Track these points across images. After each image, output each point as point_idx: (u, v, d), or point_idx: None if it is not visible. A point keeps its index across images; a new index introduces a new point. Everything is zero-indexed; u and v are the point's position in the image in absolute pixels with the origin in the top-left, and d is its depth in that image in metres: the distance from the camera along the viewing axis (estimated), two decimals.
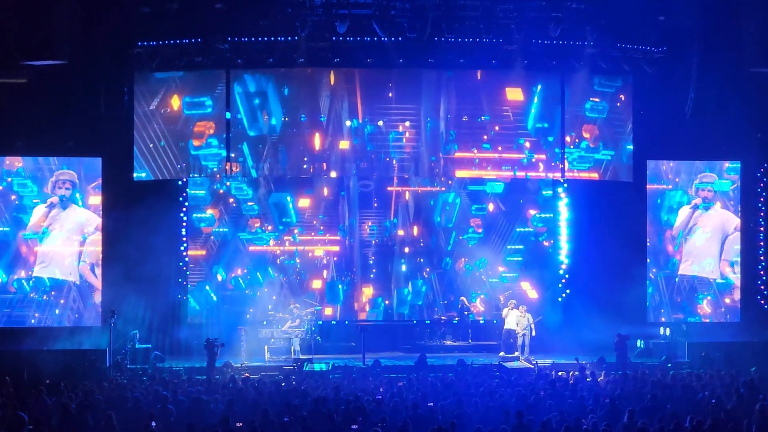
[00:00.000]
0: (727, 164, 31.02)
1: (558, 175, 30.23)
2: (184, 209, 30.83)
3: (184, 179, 30.22)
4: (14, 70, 27.55)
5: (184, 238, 30.79)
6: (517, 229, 32.11)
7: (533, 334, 28.89)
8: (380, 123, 29.46)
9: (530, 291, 32.08)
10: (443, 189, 31.75)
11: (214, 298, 31.12)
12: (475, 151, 29.86)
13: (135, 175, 28.70)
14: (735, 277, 30.90)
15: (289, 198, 31.28)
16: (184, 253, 30.78)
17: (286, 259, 31.60)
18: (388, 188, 31.51)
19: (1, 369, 22.93)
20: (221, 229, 31.21)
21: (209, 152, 29.05)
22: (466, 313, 30.89)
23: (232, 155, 28.96)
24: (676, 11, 28.38)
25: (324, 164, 29.70)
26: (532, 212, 32.15)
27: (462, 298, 31.20)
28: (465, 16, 27.65)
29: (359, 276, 31.91)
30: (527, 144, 29.93)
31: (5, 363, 24.68)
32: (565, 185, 31.85)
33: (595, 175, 30.11)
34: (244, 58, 28.22)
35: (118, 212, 28.64)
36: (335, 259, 31.87)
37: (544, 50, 28.65)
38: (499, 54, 28.64)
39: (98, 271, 29.10)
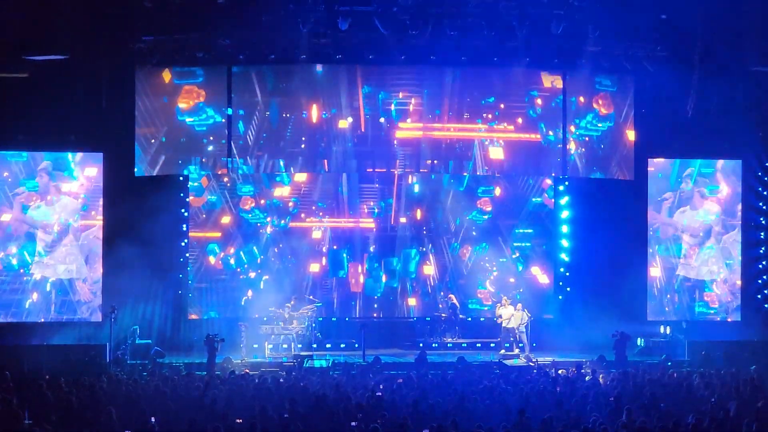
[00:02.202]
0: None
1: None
2: (186, 205, 30.80)
3: (186, 175, 30.23)
4: (16, 65, 27.55)
5: (185, 235, 30.77)
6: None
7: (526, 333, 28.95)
8: (382, 120, 29.46)
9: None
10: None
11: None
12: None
13: (136, 169, 28.68)
14: (732, 276, 30.90)
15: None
16: (185, 250, 30.77)
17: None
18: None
19: (1, 363, 22.94)
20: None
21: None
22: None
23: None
24: (678, 10, 28.30)
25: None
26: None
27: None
28: (467, 12, 27.59)
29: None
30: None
31: (5, 357, 24.70)
32: (567, 183, 31.86)
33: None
34: (246, 54, 28.26)
35: (119, 207, 28.64)
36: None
37: (546, 47, 28.64)
38: (501, 51, 28.61)
39: (98, 264, 29.05)
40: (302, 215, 31.61)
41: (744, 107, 29.57)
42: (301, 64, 28.60)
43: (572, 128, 30.04)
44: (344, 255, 31.79)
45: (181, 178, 30.45)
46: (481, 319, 31.73)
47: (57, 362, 24.83)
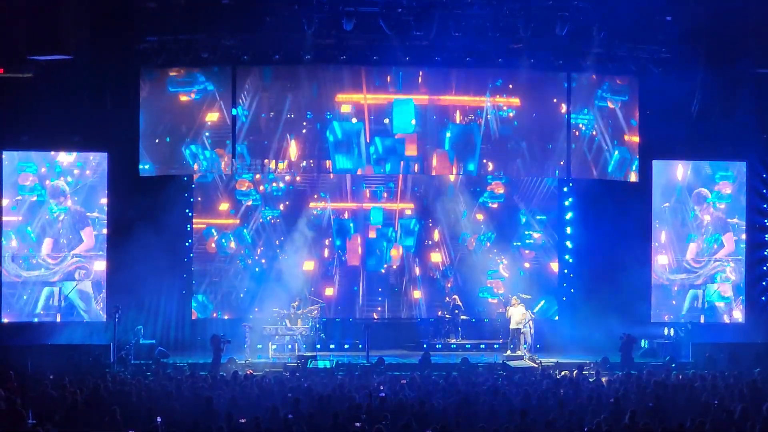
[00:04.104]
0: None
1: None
2: (190, 205, 30.81)
3: (190, 175, 30.25)
4: (20, 65, 27.53)
5: (190, 235, 30.76)
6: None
7: (531, 331, 28.86)
8: (386, 121, 29.47)
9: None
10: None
11: None
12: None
13: (140, 169, 28.70)
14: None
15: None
16: (189, 250, 30.77)
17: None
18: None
19: (5, 363, 22.98)
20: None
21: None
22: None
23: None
24: (682, 11, 28.32)
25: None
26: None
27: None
28: (471, 14, 27.61)
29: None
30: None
31: (10, 357, 24.73)
32: (571, 184, 31.85)
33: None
34: (251, 55, 28.25)
35: (123, 207, 28.67)
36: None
37: (550, 49, 28.63)
38: (505, 52, 28.62)
39: (102, 264, 29.05)
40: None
41: (748, 109, 29.53)
42: (305, 65, 28.65)
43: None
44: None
45: (185, 178, 30.48)
46: (485, 320, 31.69)
47: (61, 362, 24.83)
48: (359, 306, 31.84)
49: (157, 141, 28.79)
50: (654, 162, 30.67)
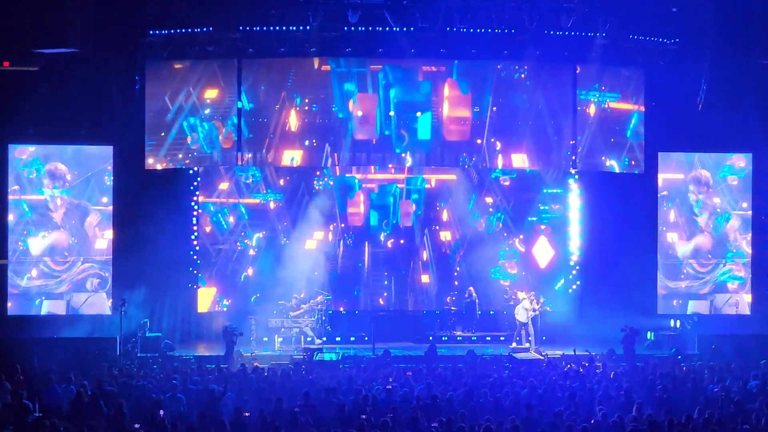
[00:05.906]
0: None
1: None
2: (195, 197, 30.81)
3: (196, 168, 30.26)
4: (26, 58, 27.50)
5: (195, 227, 30.77)
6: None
7: (539, 310, 28.89)
8: (391, 113, 29.44)
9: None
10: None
11: None
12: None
13: (146, 163, 28.70)
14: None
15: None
16: (195, 242, 30.78)
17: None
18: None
19: (11, 357, 22.98)
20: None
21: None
22: (475, 303, 30.83)
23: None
24: (688, 3, 28.27)
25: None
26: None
27: (470, 288, 31.12)
28: (477, 5, 27.62)
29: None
30: None
31: (16, 351, 24.72)
32: (576, 176, 31.81)
33: None
34: (256, 48, 28.25)
35: (128, 201, 28.66)
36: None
37: (556, 41, 28.58)
38: (511, 44, 28.60)
39: (109, 257, 29.09)
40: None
41: (754, 101, 29.43)
42: (311, 58, 28.65)
43: None
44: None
45: (191, 172, 30.48)
46: (491, 312, 31.65)
47: (67, 355, 24.84)
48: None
49: (162, 134, 28.73)
50: (659, 154, 30.63)
